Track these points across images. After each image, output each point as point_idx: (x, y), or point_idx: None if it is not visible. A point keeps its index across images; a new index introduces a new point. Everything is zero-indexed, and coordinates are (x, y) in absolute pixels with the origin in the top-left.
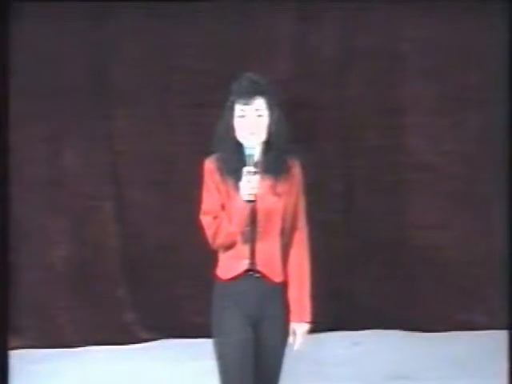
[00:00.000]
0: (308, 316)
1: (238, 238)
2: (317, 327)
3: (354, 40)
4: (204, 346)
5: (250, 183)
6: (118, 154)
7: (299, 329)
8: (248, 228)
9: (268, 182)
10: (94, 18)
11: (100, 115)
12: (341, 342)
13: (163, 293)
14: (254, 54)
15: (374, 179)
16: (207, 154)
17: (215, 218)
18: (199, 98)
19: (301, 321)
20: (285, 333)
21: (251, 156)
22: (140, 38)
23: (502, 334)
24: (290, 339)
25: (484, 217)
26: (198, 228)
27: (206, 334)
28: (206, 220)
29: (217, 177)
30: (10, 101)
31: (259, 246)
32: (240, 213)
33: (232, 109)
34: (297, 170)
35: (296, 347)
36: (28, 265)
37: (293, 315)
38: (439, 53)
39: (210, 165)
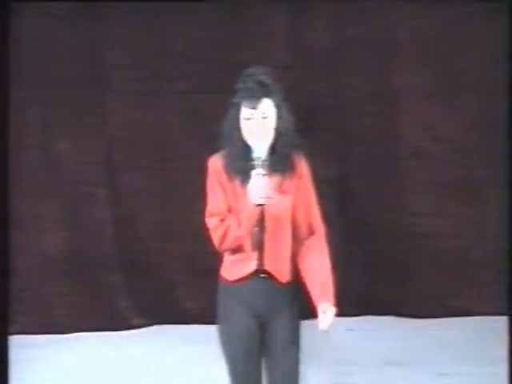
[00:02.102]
0: (331, 297)
1: (246, 240)
2: (310, 314)
3: (349, 28)
4: (197, 332)
5: (260, 186)
6: (112, 141)
7: (326, 308)
8: (256, 229)
9: (274, 180)
10: (90, 12)
11: (95, 102)
12: (334, 328)
13: (157, 279)
14: (248, 43)
15: (368, 166)
16: (202, 140)
17: (222, 220)
18: (194, 84)
19: (327, 301)
20: (295, 332)
21: (260, 158)
22: (134, 27)
23: (496, 320)
24: (320, 318)
25: (478, 204)
26: (193, 214)
27: (199, 320)
28: (212, 222)
29: (223, 177)
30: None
31: (268, 247)
32: (249, 216)
33: (238, 109)
34: (303, 165)
35: (322, 327)
36: (22, 251)
37: (319, 297)
38: (434, 40)
39: (215, 164)
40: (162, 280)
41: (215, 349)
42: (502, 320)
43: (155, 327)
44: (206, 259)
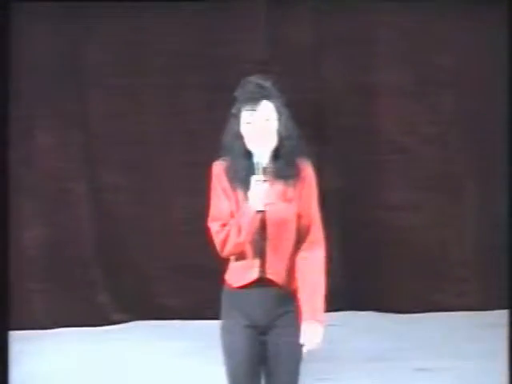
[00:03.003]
0: (320, 315)
1: (248, 247)
2: None
3: (330, 24)
4: (176, 328)
5: (260, 193)
6: (91, 135)
7: (309, 328)
8: (257, 236)
9: (278, 188)
10: (74, 7)
11: (74, 96)
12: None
13: (136, 275)
14: (228, 38)
15: (346, 161)
16: (182, 135)
17: (223, 225)
18: (173, 79)
19: (311, 319)
20: (298, 340)
21: (260, 164)
22: (117, 23)
23: (475, 316)
24: (301, 340)
25: (456, 199)
26: (172, 210)
27: (178, 316)
28: (213, 227)
29: (225, 183)
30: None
31: (270, 254)
32: (250, 222)
33: (238, 116)
34: (308, 172)
35: (306, 348)
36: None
37: (304, 315)
38: (413, 37)
39: (218, 170)
40: (141, 276)
41: (194, 344)
42: (481, 315)
43: (134, 323)
44: (185, 255)
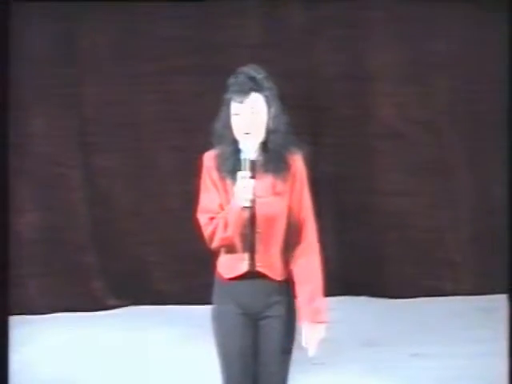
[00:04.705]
0: (321, 316)
1: (238, 240)
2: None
3: (323, 8)
4: (171, 313)
5: (246, 188)
6: (86, 121)
7: (309, 330)
8: (247, 229)
9: (267, 181)
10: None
11: (69, 82)
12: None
13: (131, 260)
14: (222, 22)
15: (341, 146)
16: (175, 120)
17: (212, 218)
18: (168, 64)
19: (311, 321)
20: (289, 332)
21: (246, 160)
22: (113, 9)
23: (470, 301)
24: (303, 342)
25: (452, 183)
26: (167, 195)
27: (173, 301)
28: (202, 219)
29: (215, 174)
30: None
31: (260, 247)
32: (236, 217)
33: (229, 106)
34: (298, 165)
35: (310, 353)
36: None
37: (302, 316)
38: (408, 21)
39: (208, 161)
40: (136, 261)
41: (189, 330)
42: (476, 300)
43: (129, 308)
44: (180, 240)
